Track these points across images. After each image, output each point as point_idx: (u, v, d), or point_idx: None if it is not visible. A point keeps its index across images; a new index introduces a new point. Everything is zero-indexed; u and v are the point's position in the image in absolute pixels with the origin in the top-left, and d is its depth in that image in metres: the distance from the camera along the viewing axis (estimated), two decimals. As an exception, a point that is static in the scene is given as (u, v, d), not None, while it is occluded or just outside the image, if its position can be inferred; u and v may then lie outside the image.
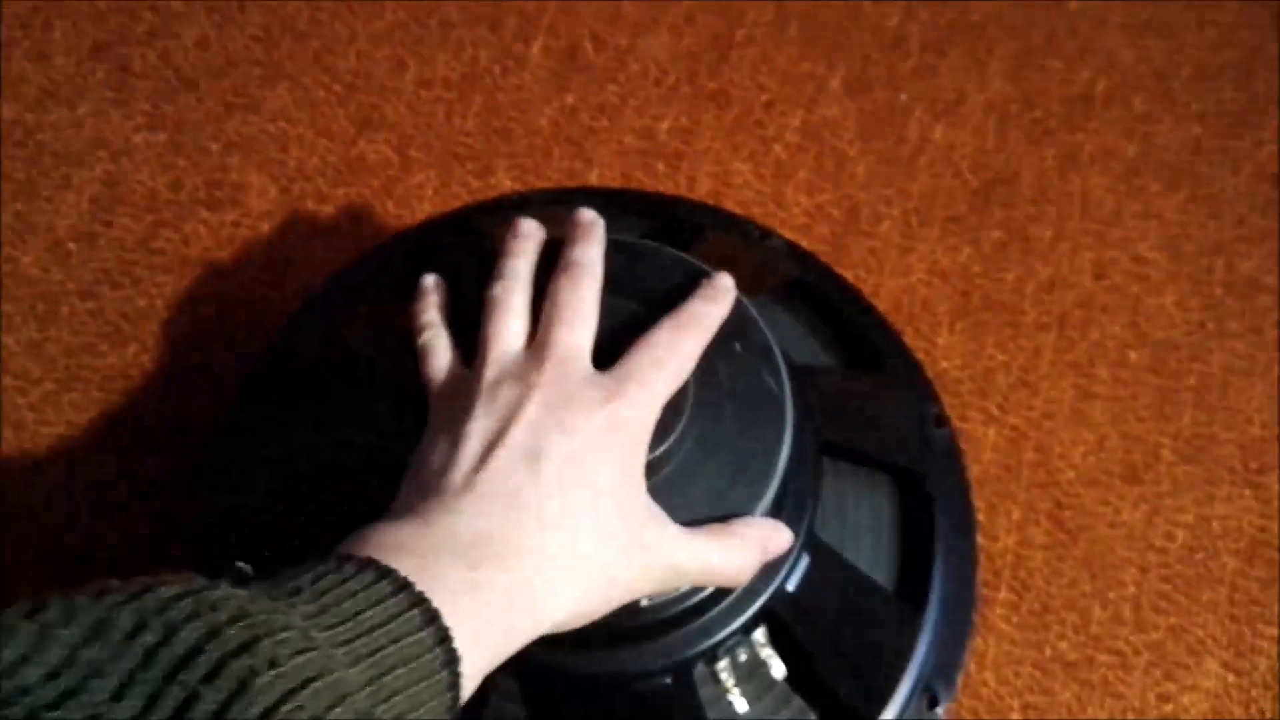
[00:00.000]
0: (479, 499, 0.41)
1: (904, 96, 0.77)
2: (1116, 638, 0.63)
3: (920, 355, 0.69)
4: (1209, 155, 0.76)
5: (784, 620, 0.53)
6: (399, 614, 0.34)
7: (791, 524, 0.54)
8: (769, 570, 0.53)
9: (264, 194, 0.72)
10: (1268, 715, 0.61)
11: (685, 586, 0.48)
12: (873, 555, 0.60)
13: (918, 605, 0.59)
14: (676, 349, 0.47)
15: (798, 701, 0.56)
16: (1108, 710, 0.61)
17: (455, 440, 0.43)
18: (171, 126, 0.74)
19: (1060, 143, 0.76)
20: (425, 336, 0.48)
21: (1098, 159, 0.76)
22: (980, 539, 0.65)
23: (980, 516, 0.65)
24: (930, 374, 0.69)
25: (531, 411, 0.43)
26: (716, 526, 0.46)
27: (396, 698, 0.33)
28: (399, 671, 0.33)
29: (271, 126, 0.75)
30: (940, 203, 0.74)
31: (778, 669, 0.54)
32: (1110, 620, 0.63)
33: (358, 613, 0.33)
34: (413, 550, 0.37)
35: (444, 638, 0.35)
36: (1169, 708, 0.61)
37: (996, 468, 0.67)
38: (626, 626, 0.51)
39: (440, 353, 0.48)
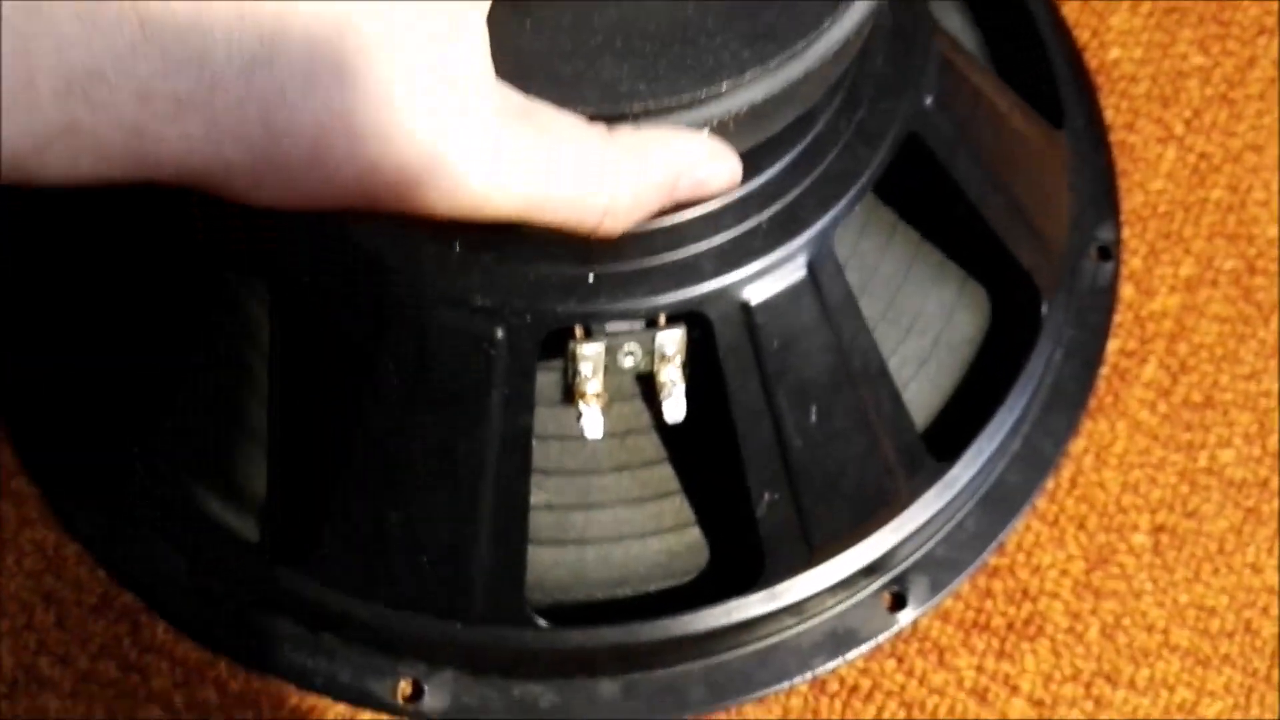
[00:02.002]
0: None
1: None
2: (1306, 460, 0.43)
3: (1084, 37, 0.48)
4: None
5: (722, 341, 0.32)
6: None
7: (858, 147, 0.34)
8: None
9: None
10: None
11: (469, 210, 0.24)
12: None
13: (1006, 379, 0.40)
14: None
15: (676, 499, 0.36)
16: (1277, 557, 0.41)
17: None
18: None
19: None
20: None
21: None
22: (1128, 289, 0.44)
23: (1136, 260, 0.45)
24: (1094, 64, 0.48)
25: None
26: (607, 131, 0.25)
27: None
28: None
29: None
30: None
31: (673, 407, 0.33)
32: (1300, 435, 0.43)
33: None
34: None
35: None
36: (1366, 571, 0.41)
37: (1168, 202, 0.46)
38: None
39: None
